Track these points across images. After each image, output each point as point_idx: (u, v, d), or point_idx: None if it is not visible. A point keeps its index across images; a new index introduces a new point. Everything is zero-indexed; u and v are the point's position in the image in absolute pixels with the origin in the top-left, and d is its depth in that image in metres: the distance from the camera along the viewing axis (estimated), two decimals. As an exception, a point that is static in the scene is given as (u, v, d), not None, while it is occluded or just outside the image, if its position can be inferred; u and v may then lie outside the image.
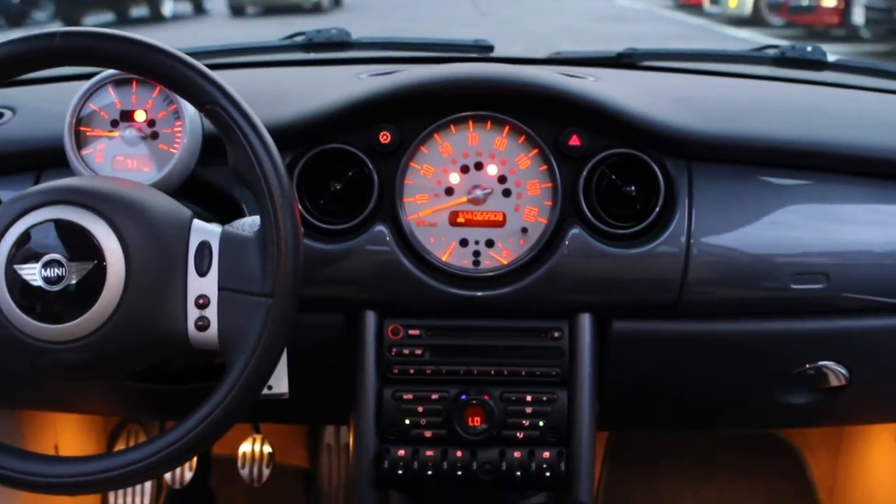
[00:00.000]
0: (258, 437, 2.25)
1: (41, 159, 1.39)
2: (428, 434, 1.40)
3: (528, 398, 1.39)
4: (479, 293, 1.36)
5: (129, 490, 2.24)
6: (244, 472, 2.23)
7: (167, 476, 2.24)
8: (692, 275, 1.35)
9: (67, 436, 2.06)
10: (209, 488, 2.28)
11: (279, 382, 1.27)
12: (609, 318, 1.40)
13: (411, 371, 1.39)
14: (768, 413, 1.59)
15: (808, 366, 1.46)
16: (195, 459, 2.25)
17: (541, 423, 1.39)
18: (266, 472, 2.23)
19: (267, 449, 2.24)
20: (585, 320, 1.39)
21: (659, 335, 1.41)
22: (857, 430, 2.10)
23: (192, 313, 1.11)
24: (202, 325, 1.10)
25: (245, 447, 2.25)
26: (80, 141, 1.33)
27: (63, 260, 1.06)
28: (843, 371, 1.47)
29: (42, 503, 1.97)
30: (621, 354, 1.42)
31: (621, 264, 1.35)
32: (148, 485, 2.25)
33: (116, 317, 1.07)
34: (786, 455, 2.28)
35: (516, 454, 1.40)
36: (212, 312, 1.11)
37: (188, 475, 2.24)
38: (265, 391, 1.26)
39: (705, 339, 1.42)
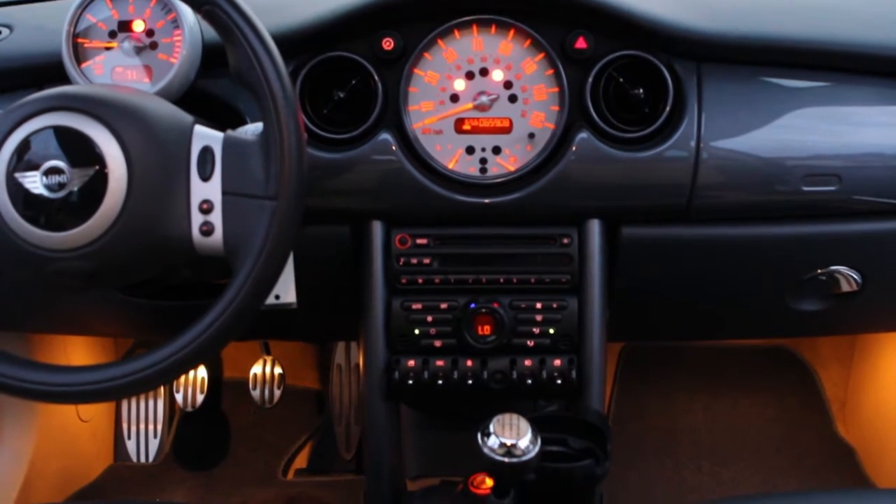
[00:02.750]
0: (269, 359, 2.25)
1: (41, 74, 1.37)
2: (438, 344, 1.39)
3: (538, 306, 1.38)
4: (487, 200, 1.34)
5: (142, 413, 2.25)
6: (255, 394, 2.24)
7: (179, 399, 2.25)
8: (702, 179, 1.33)
9: (77, 359, 2.07)
10: (221, 410, 2.29)
11: (287, 292, 1.26)
12: (618, 224, 1.38)
13: (420, 281, 1.38)
14: (780, 321, 1.58)
15: (819, 271, 1.44)
16: (207, 382, 2.26)
17: (551, 331, 1.38)
18: (277, 393, 2.24)
19: (278, 370, 2.25)
20: (594, 226, 1.37)
21: (669, 240, 1.39)
22: (869, 344, 2.10)
23: (196, 218, 1.09)
24: (206, 230, 1.09)
25: (256, 369, 2.26)
26: (79, 54, 1.31)
27: (64, 167, 1.05)
28: (856, 276, 1.46)
29: (57, 428, 1.98)
30: (631, 260, 1.40)
31: (630, 168, 1.33)
32: (160, 408, 2.27)
33: (119, 223, 1.06)
34: (797, 369, 2.28)
35: (527, 363, 1.39)
36: (216, 217, 1.09)
37: (200, 398, 2.25)
38: (273, 301, 1.26)
39: (715, 244, 1.40)
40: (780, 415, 2.22)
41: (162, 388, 2.28)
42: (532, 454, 1.09)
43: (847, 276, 1.46)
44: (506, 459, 1.08)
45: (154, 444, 2.24)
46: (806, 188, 1.34)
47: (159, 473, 2.18)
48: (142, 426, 2.25)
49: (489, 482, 1.18)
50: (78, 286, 1.17)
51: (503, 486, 1.15)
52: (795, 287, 1.47)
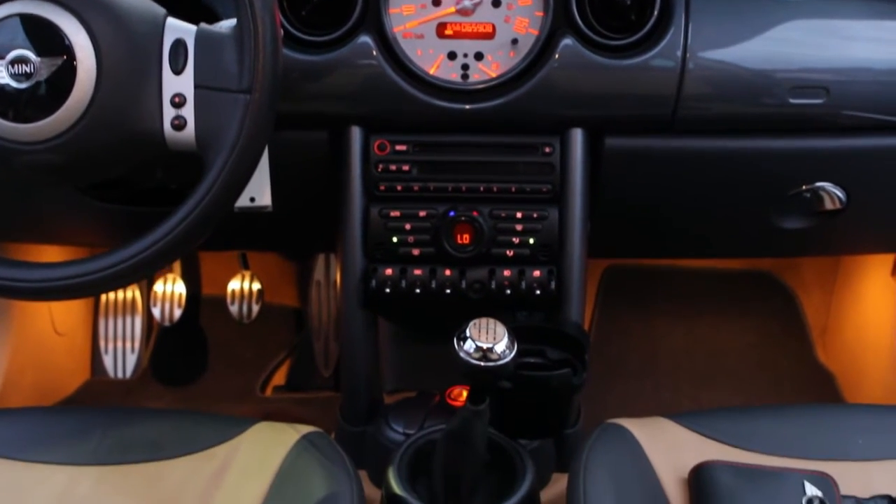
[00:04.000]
0: (247, 274, 2.24)
1: None
2: (416, 252, 1.37)
3: (519, 215, 1.36)
4: (468, 106, 1.31)
5: (119, 329, 2.24)
6: (234, 309, 2.23)
7: (156, 313, 2.23)
8: (687, 89, 1.31)
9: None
10: (199, 326, 2.27)
11: (262, 195, 1.25)
12: (601, 134, 1.36)
13: (398, 188, 1.36)
14: (763, 239, 1.57)
15: (804, 187, 1.43)
16: (184, 298, 2.24)
17: (531, 241, 1.37)
18: (255, 308, 2.23)
19: (256, 286, 2.24)
20: (577, 135, 1.35)
21: (652, 152, 1.37)
22: (851, 269, 2.09)
23: (168, 112, 1.07)
24: (178, 124, 1.07)
25: (234, 284, 2.24)
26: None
27: (31, 56, 1.02)
28: (840, 193, 1.44)
29: (32, 341, 1.97)
30: (614, 171, 1.38)
31: (614, 77, 1.30)
32: (138, 324, 2.25)
33: (89, 115, 1.03)
34: (779, 294, 2.27)
35: (506, 273, 1.38)
36: (188, 111, 1.07)
37: (178, 312, 2.23)
38: (248, 203, 1.24)
39: (700, 157, 1.39)
40: (761, 339, 2.22)
41: (139, 304, 2.26)
42: (508, 359, 1.07)
43: (831, 194, 1.44)
44: (481, 363, 1.06)
45: (132, 360, 2.23)
46: (793, 100, 1.32)
47: (137, 388, 2.17)
48: (119, 342, 2.24)
49: (466, 395, 1.17)
50: (49, 181, 1.15)
51: (479, 393, 1.14)
52: (779, 203, 1.45)
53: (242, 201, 1.23)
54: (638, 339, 2.22)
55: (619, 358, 2.19)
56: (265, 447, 1.19)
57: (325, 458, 1.17)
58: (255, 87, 1.05)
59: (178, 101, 1.07)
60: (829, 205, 1.46)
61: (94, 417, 1.26)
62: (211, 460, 1.17)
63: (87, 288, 1.09)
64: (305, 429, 1.22)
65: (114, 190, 1.41)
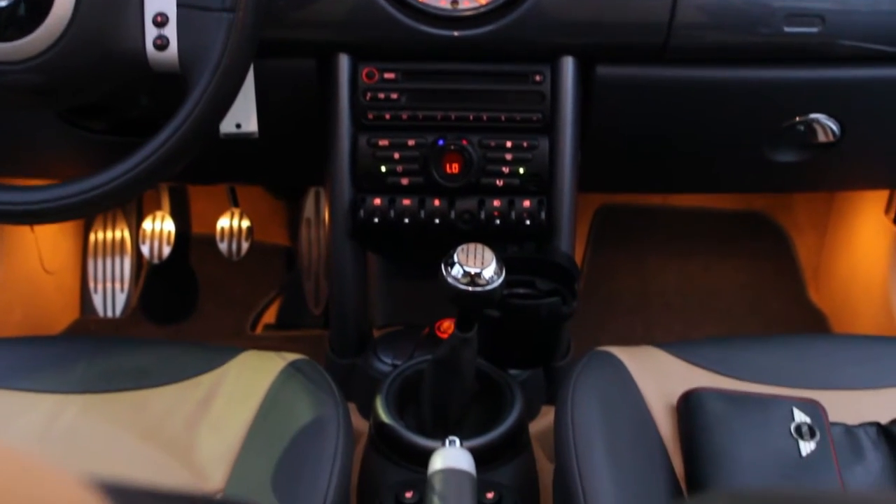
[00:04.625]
0: (237, 212, 2.22)
1: None
2: (404, 182, 1.36)
3: (508, 144, 1.35)
4: (457, 33, 1.29)
5: (109, 268, 2.22)
6: (223, 247, 2.21)
7: (145, 251, 2.22)
8: (680, 17, 1.28)
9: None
10: (189, 265, 2.26)
11: (248, 121, 1.23)
12: (593, 63, 1.34)
13: (387, 116, 1.34)
14: (756, 173, 1.55)
15: (798, 119, 1.41)
16: (174, 236, 2.23)
17: (521, 171, 1.35)
18: (245, 245, 2.21)
19: (245, 223, 2.22)
20: (568, 64, 1.33)
21: (644, 81, 1.35)
22: (845, 208, 2.08)
23: (150, 32, 1.05)
24: (161, 43, 1.05)
25: (223, 222, 2.23)
26: None
27: None
28: (834, 126, 1.43)
29: (20, 278, 1.95)
30: (605, 101, 1.37)
31: (606, 3, 1.28)
32: (127, 263, 2.24)
33: (69, 34, 1.02)
34: (772, 234, 2.26)
35: (496, 203, 1.36)
36: (171, 30, 1.05)
37: (166, 250, 2.22)
38: (234, 129, 1.22)
39: (692, 87, 1.37)
40: (753, 280, 2.21)
41: (129, 243, 2.25)
42: (496, 284, 1.06)
43: (825, 126, 1.42)
44: (469, 288, 1.06)
45: (121, 299, 2.22)
46: (787, 29, 1.30)
47: (126, 327, 2.16)
48: (108, 282, 2.23)
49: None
50: (29, 103, 1.13)
51: (467, 320, 1.13)
52: (772, 136, 1.44)
53: (228, 127, 1.22)
54: (630, 279, 2.22)
55: (611, 297, 2.18)
56: (252, 374, 1.18)
57: (311, 384, 1.16)
58: (238, 6, 1.03)
59: (160, 21, 1.05)
60: (822, 137, 1.44)
61: (80, 346, 1.25)
62: (197, 388, 1.17)
63: (74, 209, 1.08)
64: (292, 356, 1.22)
65: (98, 118, 1.39)
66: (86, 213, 1.13)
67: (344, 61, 1.33)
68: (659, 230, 2.27)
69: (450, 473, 0.95)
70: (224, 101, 1.06)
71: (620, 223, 2.27)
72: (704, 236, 2.26)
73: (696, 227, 2.26)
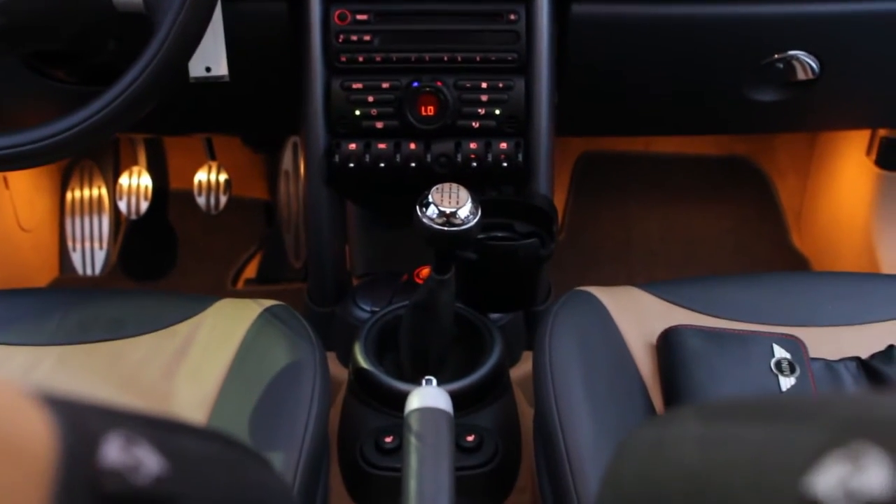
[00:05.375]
0: (214, 165, 2.20)
1: None
2: (379, 125, 1.34)
3: (484, 85, 1.33)
4: None
5: (87, 226, 2.20)
6: (201, 201, 2.19)
7: (123, 207, 2.20)
8: None
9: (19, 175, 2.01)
10: (168, 221, 2.24)
11: (218, 64, 1.21)
12: (568, 1, 1.32)
13: (360, 59, 1.32)
14: (736, 114, 1.54)
15: (776, 56, 1.39)
16: (151, 191, 2.21)
17: (497, 112, 1.34)
18: (223, 199, 2.19)
19: (223, 177, 2.20)
20: (543, 2, 1.31)
21: (620, 19, 1.34)
22: (826, 151, 2.07)
23: None
24: None
25: (201, 175, 2.20)
26: None
27: None
28: (813, 63, 1.41)
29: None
30: (581, 40, 1.35)
31: None
32: (105, 220, 2.22)
33: None
34: (754, 179, 2.25)
35: (472, 145, 1.35)
36: None
37: (144, 205, 2.20)
38: (204, 73, 1.20)
39: (669, 24, 1.35)
40: (736, 225, 2.20)
41: (106, 202, 2.22)
42: (472, 224, 1.05)
43: (804, 63, 1.41)
44: (445, 228, 1.04)
45: (100, 256, 2.20)
46: None
47: (106, 284, 2.15)
48: (87, 241, 2.20)
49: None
50: None
51: (443, 261, 1.11)
52: (751, 74, 1.42)
53: (198, 71, 1.20)
54: (612, 227, 2.21)
55: (594, 245, 2.17)
56: (228, 322, 1.17)
57: (287, 329, 1.15)
58: None
59: None
60: (801, 75, 1.43)
61: (55, 298, 1.24)
62: (173, 337, 1.15)
63: (42, 155, 1.06)
64: (268, 302, 1.20)
65: (65, 66, 1.36)
66: (56, 158, 1.10)
67: (315, 3, 1.31)
68: (641, 177, 2.25)
69: (426, 412, 0.94)
70: (191, 39, 1.04)
71: (602, 171, 2.26)
72: (687, 182, 2.24)
73: (678, 174, 2.25)
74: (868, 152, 1.88)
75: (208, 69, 1.20)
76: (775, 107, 1.48)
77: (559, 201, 2.19)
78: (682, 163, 2.25)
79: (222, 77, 1.20)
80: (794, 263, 2.12)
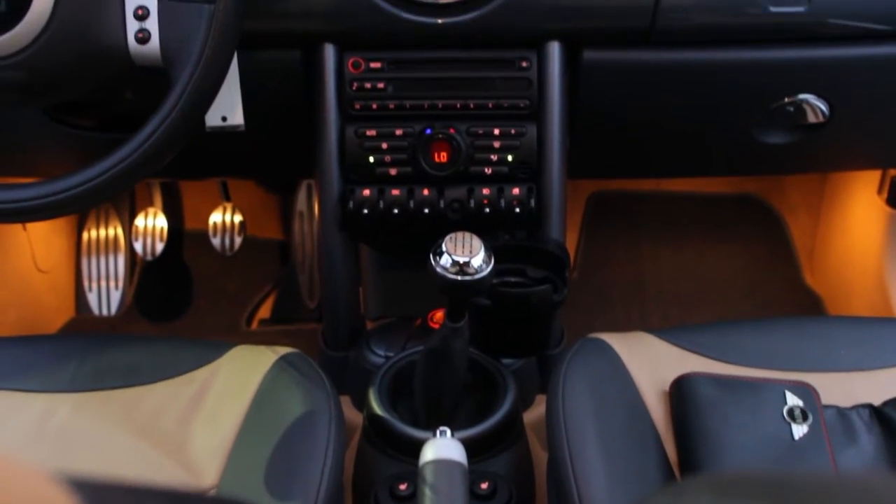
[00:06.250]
0: (229, 206, 2.22)
1: None
2: (393, 172, 1.35)
3: (496, 132, 1.34)
4: (441, 20, 1.28)
5: (103, 266, 2.22)
6: (216, 242, 2.21)
7: (138, 248, 2.21)
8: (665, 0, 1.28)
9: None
10: (183, 261, 2.26)
11: (234, 113, 1.23)
12: (579, 47, 1.33)
13: (374, 107, 1.34)
14: (746, 156, 1.55)
15: (786, 99, 1.40)
16: (166, 232, 2.23)
17: (509, 158, 1.35)
18: (238, 240, 2.21)
19: (238, 218, 2.22)
20: (554, 49, 1.32)
21: (631, 65, 1.35)
22: (838, 189, 2.08)
23: (132, 25, 1.05)
24: (142, 37, 1.05)
25: (216, 217, 2.22)
26: None
27: None
28: (823, 106, 1.42)
29: (14, 278, 1.95)
30: (592, 86, 1.36)
31: None
32: (121, 260, 2.23)
33: (50, 30, 1.02)
34: (766, 217, 2.26)
35: (485, 191, 1.36)
36: (152, 24, 1.05)
37: (160, 247, 2.22)
38: (220, 123, 1.22)
39: (679, 70, 1.36)
40: (748, 264, 2.21)
41: (122, 241, 2.24)
42: (485, 273, 1.06)
43: (814, 107, 1.42)
44: (458, 278, 1.05)
45: (116, 297, 2.21)
46: (773, 9, 1.29)
47: (122, 325, 2.16)
48: (102, 280, 2.22)
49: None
50: (12, 100, 1.13)
51: (457, 309, 1.12)
52: (762, 117, 1.43)
53: (214, 120, 1.21)
54: (624, 266, 2.21)
55: (606, 284, 2.18)
56: (243, 369, 1.18)
57: (303, 378, 1.16)
58: None
59: (141, 14, 1.05)
60: (812, 118, 1.44)
61: (72, 344, 1.25)
62: (189, 384, 1.16)
63: (60, 207, 1.08)
64: (283, 350, 1.21)
65: (84, 115, 1.38)
66: (74, 210, 1.12)
67: (329, 51, 1.33)
68: (652, 216, 2.26)
69: (440, 464, 0.95)
70: (207, 93, 1.06)
71: (613, 210, 2.27)
72: (698, 221, 2.25)
73: (689, 212, 2.26)
74: (879, 191, 1.88)
75: (224, 119, 1.22)
76: (785, 149, 1.49)
77: (571, 240, 2.20)
78: (693, 201, 2.26)
79: (238, 126, 1.22)
80: (807, 302, 2.12)
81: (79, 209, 1.20)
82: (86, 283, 2.22)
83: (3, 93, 1.07)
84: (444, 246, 1.06)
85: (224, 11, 1.03)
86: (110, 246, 2.23)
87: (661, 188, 2.28)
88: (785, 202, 2.25)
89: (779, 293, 2.16)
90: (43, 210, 1.07)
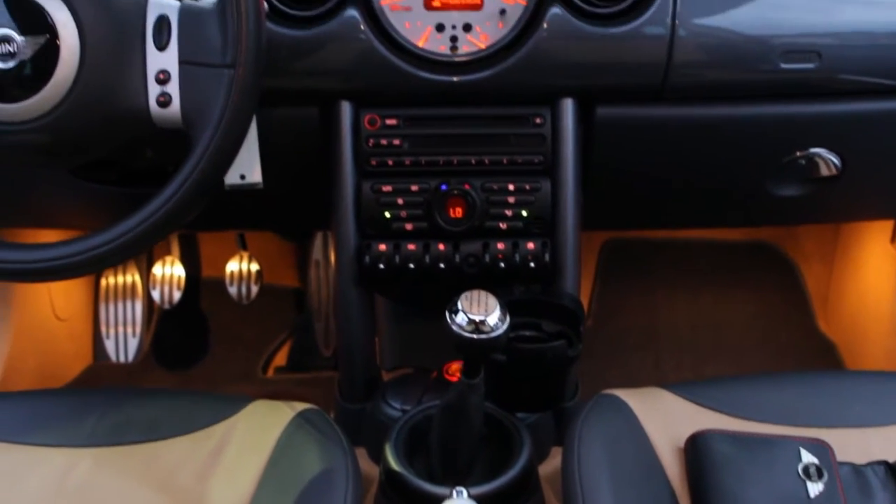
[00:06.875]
0: (245, 255, 2.23)
1: None
2: (409, 227, 1.37)
3: (511, 187, 1.36)
4: (456, 78, 1.31)
5: (120, 314, 2.24)
6: (233, 291, 2.23)
7: (156, 296, 2.23)
8: (677, 56, 1.30)
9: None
10: (199, 309, 2.28)
11: (252, 171, 1.24)
12: (592, 104, 1.35)
13: (390, 163, 1.35)
14: (759, 208, 1.56)
15: (798, 153, 1.42)
16: (184, 281, 2.24)
17: (524, 214, 1.36)
18: (254, 289, 2.23)
19: (254, 267, 2.23)
20: (568, 105, 1.34)
21: (644, 120, 1.36)
22: (851, 237, 2.09)
23: (153, 89, 1.07)
24: (164, 100, 1.07)
25: (232, 266, 2.24)
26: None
27: (14, 36, 1.03)
28: (835, 159, 1.43)
29: (33, 326, 1.97)
30: (606, 141, 1.38)
31: (603, 45, 1.29)
32: (139, 308, 2.25)
33: (73, 94, 1.04)
34: (780, 265, 2.26)
35: (500, 246, 1.37)
36: (173, 87, 1.07)
37: (177, 295, 2.23)
38: (238, 181, 1.24)
39: (692, 125, 1.38)
40: (762, 311, 2.21)
41: (139, 288, 2.26)
42: (501, 331, 1.07)
43: (826, 160, 1.43)
44: (474, 336, 1.06)
45: (133, 344, 2.23)
46: (784, 65, 1.31)
47: (139, 372, 2.17)
48: (120, 327, 2.24)
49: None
50: (36, 162, 1.15)
51: (473, 366, 1.13)
52: (774, 171, 1.44)
53: (233, 178, 1.23)
54: (638, 313, 2.22)
55: (620, 332, 2.18)
56: (261, 425, 1.19)
57: (320, 435, 1.16)
58: (238, 62, 1.05)
59: (162, 78, 1.07)
60: (824, 171, 1.45)
61: (90, 399, 1.26)
62: (208, 440, 1.17)
63: (83, 267, 1.09)
64: (301, 406, 1.22)
65: (105, 170, 1.40)
66: (94, 269, 1.14)
67: (346, 109, 1.34)
68: (666, 263, 2.27)
69: (457, 525, 0.95)
70: (226, 155, 1.08)
71: (627, 257, 2.28)
72: (712, 268, 2.26)
73: (703, 259, 2.26)
74: (893, 239, 1.89)
75: (243, 177, 1.23)
76: (798, 201, 1.50)
77: (585, 287, 2.20)
78: (706, 248, 2.27)
79: (256, 184, 1.23)
80: (822, 349, 2.12)
81: (101, 269, 1.22)
82: (103, 330, 2.24)
83: (28, 155, 1.09)
84: (459, 304, 1.07)
85: (243, 77, 1.05)
86: (128, 293, 2.25)
87: (675, 235, 2.29)
88: (799, 250, 2.25)
89: (793, 340, 2.16)
90: (67, 270, 1.08)
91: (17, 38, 1.02)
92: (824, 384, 1.26)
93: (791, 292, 2.23)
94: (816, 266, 2.21)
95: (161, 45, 1.07)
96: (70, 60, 1.03)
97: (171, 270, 2.25)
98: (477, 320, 1.06)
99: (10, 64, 1.02)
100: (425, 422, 1.28)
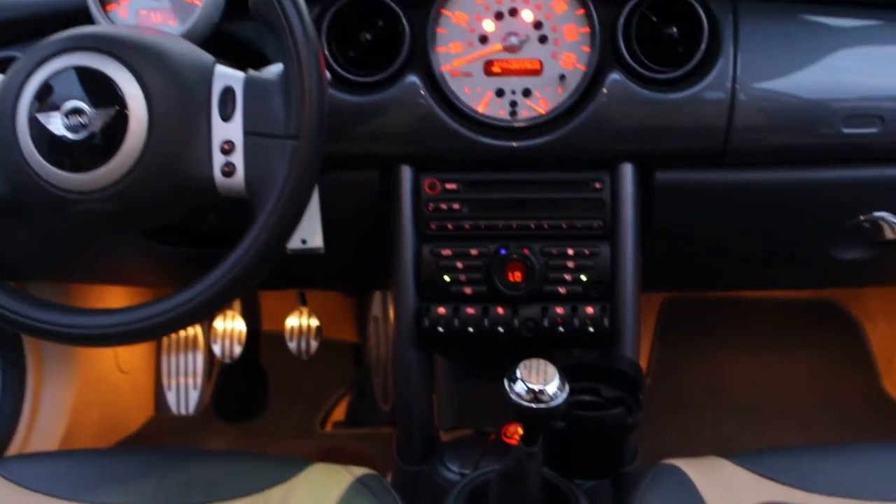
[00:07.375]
0: (305, 311, 2.25)
1: (66, 20, 1.36)
2: (468, 291, 1.37)
3: (570, 252, 1.36)
4: (515, 144, 1.31)
5: (182, 366, 2.26)
6: (292, 346, 2.25)
7: (217, 350, 2.26)
8: (738, 121, 1.29)
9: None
10: (259, 363, 2.30)
11: (314, 237, 1.25)
12: (652, 168, 1.35)
13: (449, 227, 1.36)
14: (822, 271, 1.54)
15: (862, 217, 1.40)
16: (244, 335, 2.27)
17: (583, 278, 1.36)
18: (314, 344, 2.24)
19: (314, 322, 2.25)
20: (627, 170, 1.34)
21: (704, 185, 1.36)
22: (918, 296, 2.05)
23: (218, 159, 1.09)
24: (228, 170, 1.09)
25: (292, 321, 2.26)
26: (104, -2, 1.32)
27: (85, 107, 1.05)
28: (900, 223, 1.42)
29: (97, 379, 2.00)
30: (665, 206, 1.37)
31: (663, 110, 1.29)
32: (200, 360, 2.28)
33: (141, 164, 1.06)
34: (843, 323, 2.23)
35: (559, 310, 1.37)
36: (237, 157, 1.09)
37: (238, 349, 2.26)
38: (300, 246, 1.25)
39: (753, 190, 1.37)
40: (825, 370, 2.17)
41: (201, 341, 2.29)
42: (560, 400, 1.06)
43: (891, 223, 1.41)
44: (533, 405, 1.06)
45: (194, 396, 2.25)
46: (846, 130, 1.30)
47: (199, 425, 2.20)
48: (181, 378, 2.27)
49: (521, 432, 1.16)
50: (105, 229, 1.17)
51: (532, 434, 1.13)
52: (837, 234, 1.43)
53: (294, 243, 1.24)
54: (698, 372, 2.19)
55: (680, 391, 2.16)
56: (320, 489, 1.19)
57: (378, 501, 1.17)
58: (301, 133, 1.06)
59: (227, 148, 1.08)
60: (889, 234, 1.43)
61: (153, 458, 1.27)
62: (267, 502, 1.18)
63: (145, 333, 1.11)
64: (360, 471, 1.22)
65: (170, 232, 1.43)
66: (156, 336, 1.16)
67: (406, 173, 1.36)
68: (727, 322, 2.24)
69: None
70: (289, 225, 1.09)
71: (687, 316, 2.25)
72: (774, 327, 2.23)
73: (764, 318, 2.23)
74: (960, 300, 1.86)
75: (304, 242, 1.25)
76: (862, 264, 1.48)
77: (644, 346, 2.19)
78: (768, 306, 2.24)
79: (318, 249, 1.25)
80: (887, 411, 2.08)
81: (163, 335, 1.24)
82: (165, 382, 2.27)
83: (97, 222, 1.11)
84: (518, 373, 1.07)
85: (306, 147, 1.06)
86: (190, 346, 2.28)
87: (736, 294, 2.26)
88: (863, 308, 2.22)
89: (858, 401, 2.12)
90: (132, 335, 1.11)
91: (88, 109, 1.04)
92: (890, 456, 1.23)
93: (856, 352, 2.19)
94: (882, 325, 2.18)
95: (226, 116, 1.09)
96: (139, 131, 1.05)
97: (231, 325, 2.27)
98: (536, 389, 1.05)
99: (82, 135, 1.04)
100: (483, 486, 1.28)
